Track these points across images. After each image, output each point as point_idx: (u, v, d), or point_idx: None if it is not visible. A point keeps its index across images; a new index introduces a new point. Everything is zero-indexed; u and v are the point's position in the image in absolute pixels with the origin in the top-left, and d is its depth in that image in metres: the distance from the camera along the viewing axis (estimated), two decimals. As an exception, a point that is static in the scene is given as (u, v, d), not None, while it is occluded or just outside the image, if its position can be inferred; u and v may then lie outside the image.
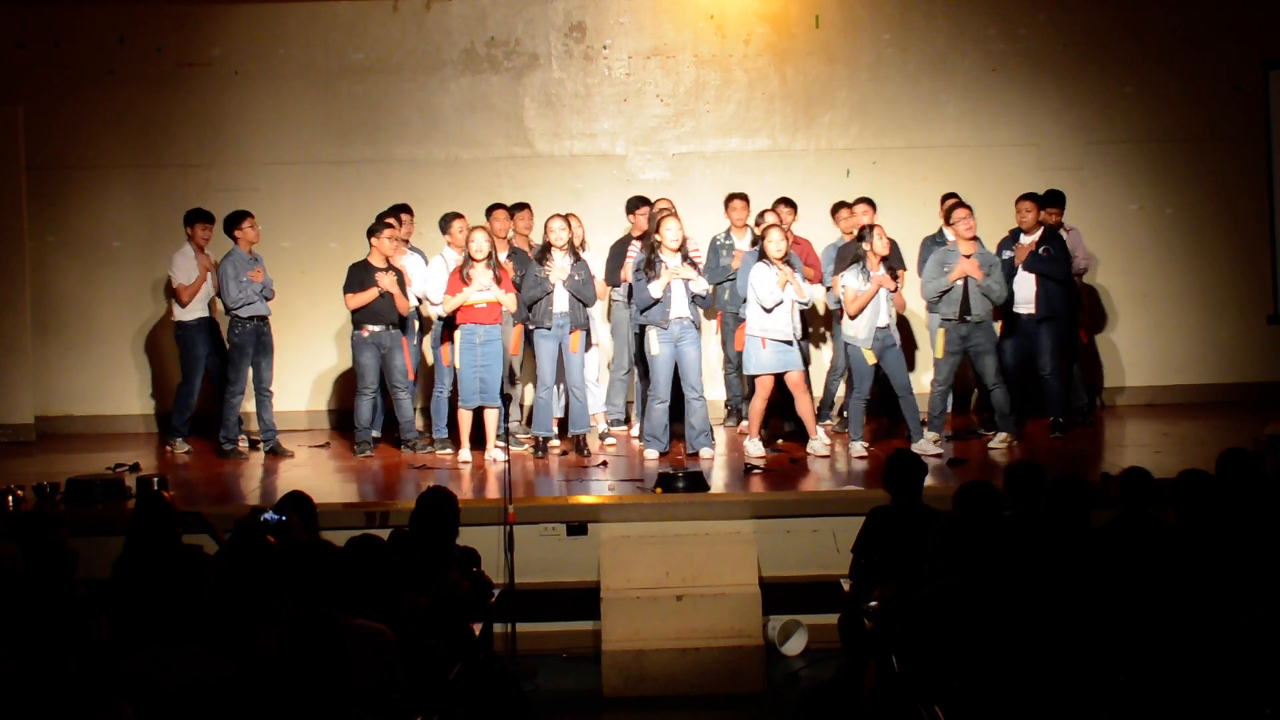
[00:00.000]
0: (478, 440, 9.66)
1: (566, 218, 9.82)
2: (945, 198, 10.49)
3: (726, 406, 11.01)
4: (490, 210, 10.31)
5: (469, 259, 9.45)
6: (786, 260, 9.37)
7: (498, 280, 9.45)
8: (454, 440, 9.86)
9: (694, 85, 11.97)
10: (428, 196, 11.20)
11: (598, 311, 10.54)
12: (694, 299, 9.50)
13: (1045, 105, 11.94)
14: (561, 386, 10.05)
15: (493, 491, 8.49)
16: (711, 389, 11.23)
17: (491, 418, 9.59)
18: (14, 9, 11.75)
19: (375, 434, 10.19)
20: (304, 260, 11.57)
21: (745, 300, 9.51)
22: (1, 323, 11.51)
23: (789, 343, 9.29)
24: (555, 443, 9.97)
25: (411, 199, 10.85)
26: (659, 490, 8.27)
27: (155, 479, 8.41)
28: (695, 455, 9.43)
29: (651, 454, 9.52)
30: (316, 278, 11.33)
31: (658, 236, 9.48)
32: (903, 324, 10.67)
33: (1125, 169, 11.96)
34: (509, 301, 9.49)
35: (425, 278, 10.13)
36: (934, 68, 11.94)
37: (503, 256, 9.87)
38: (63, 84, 11.78)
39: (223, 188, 11.54)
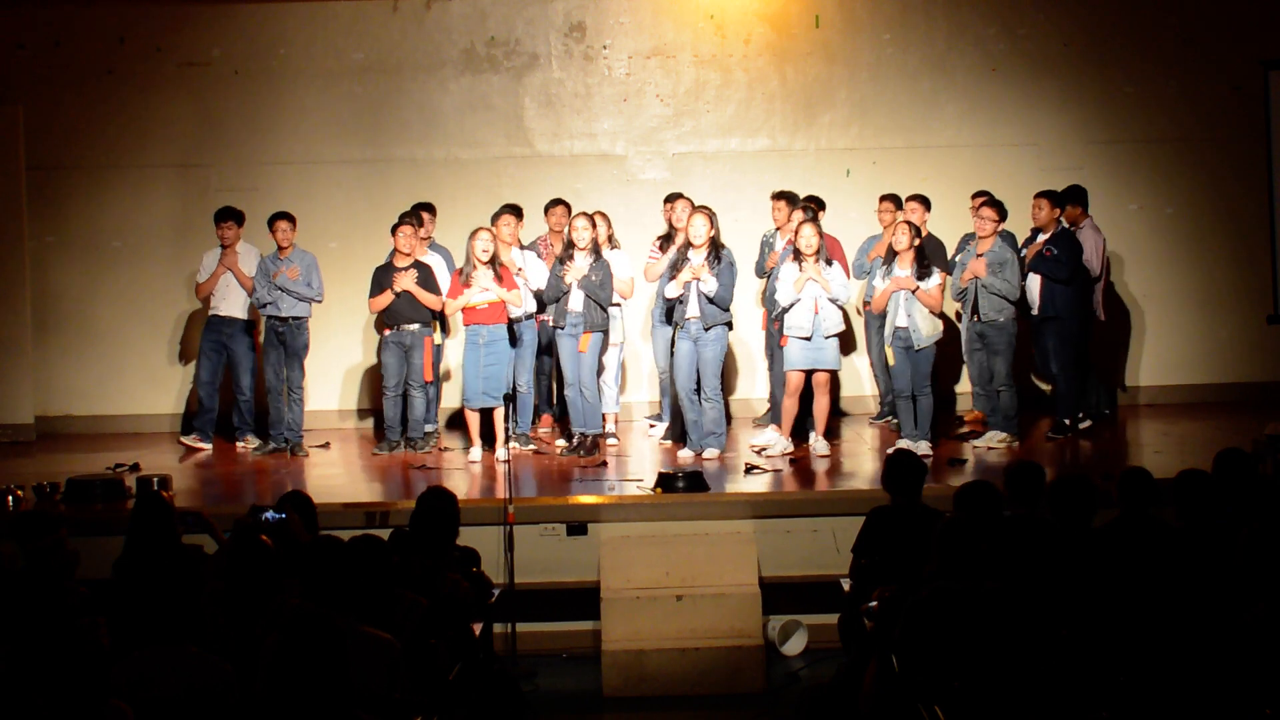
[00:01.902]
0: (484, 439, 9.65)
1: (593, 216, 9.77)
2: (974, 196, 10.40)
3: (770, 401, 10.85)
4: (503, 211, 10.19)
5: (469, 259, 9.43)
6: (822, 257, 9.26)
7: (499, 280, 9.43)
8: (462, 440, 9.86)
9: (694, 85, 11.97)
10: (428, 196, 11.14)
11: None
12: (709, 300, 9.32)
13: (1045, 105, 11.92)
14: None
15: (493, 491, 8.48)
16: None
17: (498, 417, 9.58)
18: (14, 9, 11.74)
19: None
20: (304, 260, 11.56)
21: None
22: (1, 323, 11.49)
23: (809, 339, 9.24)
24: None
25: (412, 199, 10.82)
26: (659, 490, 8.27)
27: (155, 479, 8.41)
28: (700, 454, 9.41)
29: (711, 452, 9.39)
30: (316, 277, 11.32)
31: (685, 235, 9.49)
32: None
33: (1125, 169, 11.94)
34: (514, 299, 9.49)
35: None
36: (934, 68, 11.93)
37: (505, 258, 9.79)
38: (63, 84, 11.77)
39: (223, 188, 11.54)
